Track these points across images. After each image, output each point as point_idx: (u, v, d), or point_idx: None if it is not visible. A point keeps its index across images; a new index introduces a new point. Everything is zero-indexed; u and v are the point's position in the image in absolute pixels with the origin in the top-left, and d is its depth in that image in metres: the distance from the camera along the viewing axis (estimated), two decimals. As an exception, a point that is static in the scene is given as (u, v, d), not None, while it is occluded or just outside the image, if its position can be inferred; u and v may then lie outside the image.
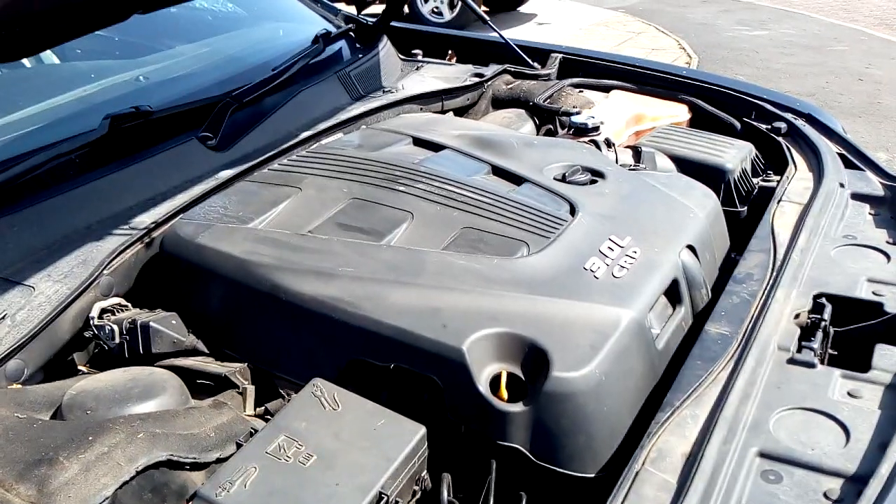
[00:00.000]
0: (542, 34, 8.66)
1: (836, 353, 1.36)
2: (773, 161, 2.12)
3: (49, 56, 2.14)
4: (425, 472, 1.16)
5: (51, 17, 1.45)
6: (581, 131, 2.11)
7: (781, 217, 1.72)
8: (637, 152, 2.02)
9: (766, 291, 1.43)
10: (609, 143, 2.05)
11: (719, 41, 8.66)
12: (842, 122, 2.27)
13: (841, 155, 2.01)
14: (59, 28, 1.50)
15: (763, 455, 1.09)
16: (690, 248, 1.55)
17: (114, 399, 1.23)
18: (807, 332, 1.34)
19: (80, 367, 1.44)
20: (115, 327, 1.40)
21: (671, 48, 8.37)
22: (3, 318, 1.36)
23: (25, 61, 2.06)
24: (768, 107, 2.29)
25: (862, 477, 1.03)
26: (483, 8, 8.76)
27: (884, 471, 1.02)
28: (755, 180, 2.05)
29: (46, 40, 1.59)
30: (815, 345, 1.29)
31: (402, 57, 2.68)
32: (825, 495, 1.02)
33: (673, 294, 1.47)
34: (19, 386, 1.33)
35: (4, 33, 1.37)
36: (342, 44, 2.50)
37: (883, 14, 9.72)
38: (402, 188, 1.62)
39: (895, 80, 7.06)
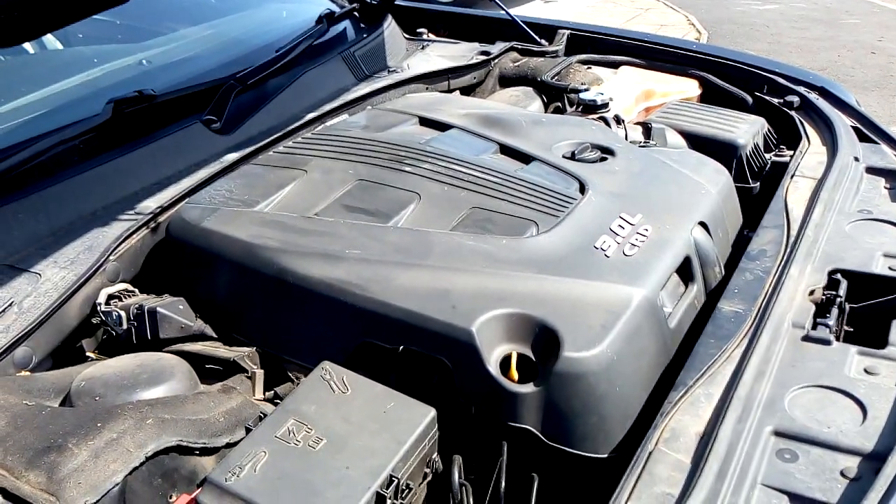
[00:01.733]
0: (548, 12, 8.58)
1: (851, 329, 1.34)
2: (786, 135, 2.09)
3: (52, 41, 2.13)
4: (436, 454, 1.16)
5: (51, 1, 1.43)
6: (590, 108, 2.08)
7: (795, 192, 1.69)
8: (647, 129, 1.99)
9: (780, 268, 1.42)
10: (618, 120, 2.02)
11: (729, 16, 8.57)
12: (854, 96, 2.23)
13: (855, 128, 1.98)
14: (59, 11, 1.49)
15: (778, 434, 1.07)
16: (703, 225, 1.53)
17: (122, 385, 1.23)
18: (822, 309, 1.32)
19: (88, 354, 1.44)
20: (123, 313, 1.40)
21: (680, 24, 8.28)
22: (11, 305, 1.36)
23: (28, 47, 2.05)
24: (780, 80, 2.25)
25: (880, 454, 1.02)
26: (489, -14, 8.67)
27: (902, 448, 1.01)
28: (768, 155, 2.03)
29: (46, 24, 1.58)
30: (831, 322, 1.28)
31: (407, 36, 2.66)
32: (842, 474, 1.01)
33: (685, 272, 1.45)
34: (28, 373, 1.33)
35: (4, 17, 1.36)
36: (346, 24, 2.48)
37: (895, -15, 9.57)
38: (408, 169, 1.60)
39: (909, 53, 6.97)
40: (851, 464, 1.02)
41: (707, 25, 8.13)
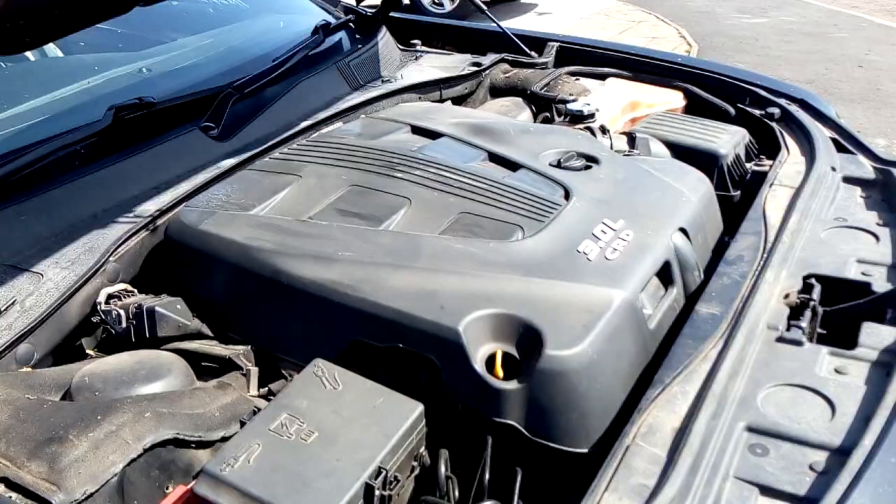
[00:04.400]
0: (542, 24, 8.66)
1: (824, 331, 1.38)
2: (767, 146, 2.14)
3: (53, 49, 2.17)
4: (423, 448, 1.20)
5: (53, 11, 1.47)
6: (577, 118, 2.13)
7: (773, 200, 1.74)
8: (632, 138, 2.04)
9: (756, 273, 1.46)
10: (604, 130, 2.07)
11: (719, 29, 8.66)
12: (841, 109, 2.29)
13: (833, 139, 2.03)
14: (62, 21, 1.53)
15: (751, 429, 1.11)
16: (683, 231, 1.57)
17: (121, 381, 1.27)
18: (796, 312, 1.36)
19: (88, 352, 1.48)
20: (122, 312, 1.44)
21: (671, 37, 8.36)
22: (13, 304, 1.39)
23: (29, 54, 2.09)
24: (762, 92, 2.30)
25: (846, 449, 1.05)
26: (483, -2, 8.74)
27: (867, 442, 1.05)
28: (748, 165, 2.08)
29: (49, 33, 1.62)
30: (804, 324, 1.31)
31: (400, 47, 2.71)
32: (811, 467, 1.04)
33: (665, 276, 1.49)
34: (29, 369, 1.36)
35: (8, 26, 1.40)
36: (342, 34, 2.53)
37: (883, 0, 9.70)
38: (400, 175, 1.65)
39: (895, 67, 7.05)
40: (820, 458, 1.06)
41: (698, 38, 8.21)
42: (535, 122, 2.36)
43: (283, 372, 1.40)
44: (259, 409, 1.21)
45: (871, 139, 2.00)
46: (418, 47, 2.79)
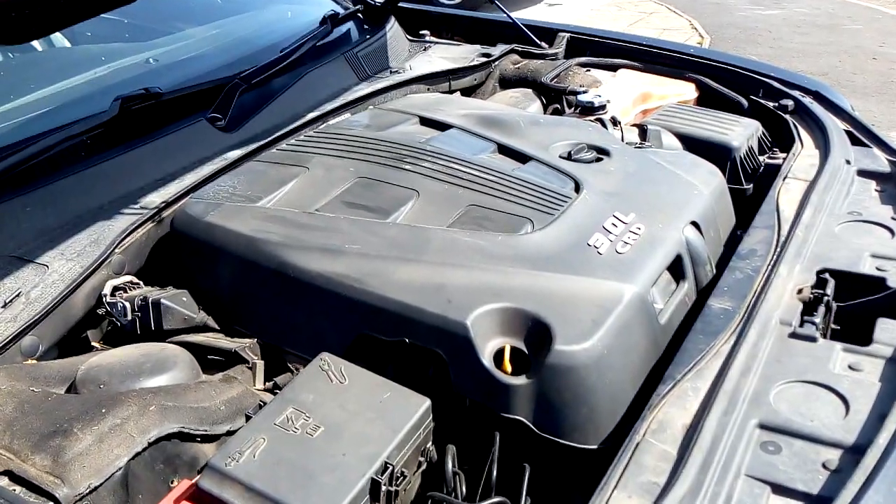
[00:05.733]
0: (553, 15, 8.60)
1: (838, 327, 1.37)
2: (780, 138, 2.12)
3: (59, 39, 2.16)
4: (430, 443, 1.18)
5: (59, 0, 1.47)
6: (588, 110, 2.11)
7: (787, 194, 1.72)
8: (643, 130, 2.02)
9: (769, 267, 1.44)
10: (615, 122, 2.05)
11: (732, 21, 8.59)
12: (855, 102, 2.25)
13: (848, 132, 2.01)
14: (68, 10, 1.52)
15: (763, 426, 1.10)
16: (695, 224, 1.56)
17: (126, 373, 1.26)
18: (809, 307, 1.34)
19: (93, 344, 1.47)
20: (127, 304, 1.43)
21: (683, 28, 8.30)
22: (18, 295, 1.39)
23: (36, 44, 2.09)
24: (776, 84, 2.28)
25: (860, 447, 1.04)
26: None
27: (882, 441, 1.03)
28: (761, 158, 2.05)
29: (55, 22, 1.61)
30: (818, 319, 1.30)
31: (409, 38, 2.69)
32: (824, 465, 1.03)
33: (676, 270, 1.48)
34: (34, 361, 1.36)
35: (13, 15, 1.39)
36: (350, 25, 2.51)
37: (898, -8, 9.59)
38: (408, 167, 1.63)
39: (910, 59, 6.99)
40: (833, 456, 1.04)
41: (710, 30, 8.15)
42: (545, 113, 2.34)
43: (289, 365, 1.40)
44: (265, 403, 1.20)
45: (885, 132, 1.96)
46: (427, 38, 2.77)
